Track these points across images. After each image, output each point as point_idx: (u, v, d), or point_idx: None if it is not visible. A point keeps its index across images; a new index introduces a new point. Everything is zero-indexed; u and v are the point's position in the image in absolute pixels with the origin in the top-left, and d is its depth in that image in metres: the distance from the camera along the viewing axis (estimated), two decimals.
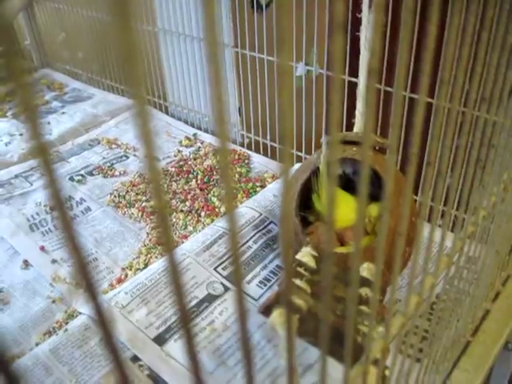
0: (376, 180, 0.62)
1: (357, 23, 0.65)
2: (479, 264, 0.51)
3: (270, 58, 0.88)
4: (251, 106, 0.94)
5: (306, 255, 0.53)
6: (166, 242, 0.16)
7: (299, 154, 0.90)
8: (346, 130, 0.76)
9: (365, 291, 0.51)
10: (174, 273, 0.16)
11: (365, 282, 0.52)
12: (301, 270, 0.49)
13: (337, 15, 0.17)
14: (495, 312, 0.58)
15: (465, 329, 0.54)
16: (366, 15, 0.65)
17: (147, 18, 0.99)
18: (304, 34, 0.83)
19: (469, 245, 0.38)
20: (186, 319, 0.18)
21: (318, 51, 0.85)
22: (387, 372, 0.36)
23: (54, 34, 1.25)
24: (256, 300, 0.67)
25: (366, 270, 0.54)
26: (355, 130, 0.66)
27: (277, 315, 0.43)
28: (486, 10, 0.30)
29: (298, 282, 0.47)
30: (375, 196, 0.59)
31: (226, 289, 0.68)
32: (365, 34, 0.65)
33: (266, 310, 0.46)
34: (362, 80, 0.65)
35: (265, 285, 0.68)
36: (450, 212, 0.35)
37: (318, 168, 0.61)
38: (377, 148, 0.63)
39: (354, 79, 0.72)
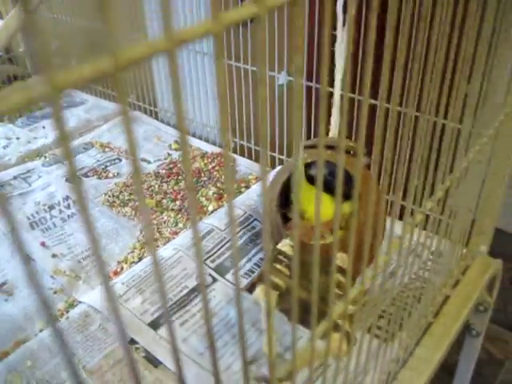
0: (348, 179, 0.69)
1: (333, 39, 0.72)
2: (436, 254, 0.58)
3: (254, 69, 0.95)
4: (236, 113, 1.01)
5: (285, 245, 0.59)
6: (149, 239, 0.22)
7: (281, 157, 0.97)
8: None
9: (337, 276, 0.58)
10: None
11: (338, 270, 0.59)
12: (281, 257, 0.56)
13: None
14: (454, 298, 0.66)
15: (426, 311, 0.61)
16: (340, 32, 0.72)
17: (137, 26, 1.05)
18: (285, 47, 0.90)
19: (418, 232, 0.45)
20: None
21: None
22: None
23: (48, 41, 1.30)
24: (241, 290, 0.73)
25: (339, 259, 0.61)
26: (330, 135, 0.73)
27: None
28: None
29: (278, 266, 0.54)
30: (347, 194, 0.66)
31: (214, 279, 0.75)
32: (339, 50, 0.72)
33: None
34: (336, 91, 0.72)
35: (249, 276, 0.75)
36: (409, 206, 0.42)
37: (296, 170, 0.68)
38: (351, 152, 0.70)
39: (330, 89, 0.79)
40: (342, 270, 0.59)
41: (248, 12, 0.20)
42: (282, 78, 1.01)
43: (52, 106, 0.15)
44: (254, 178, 0.94)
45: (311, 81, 0.87)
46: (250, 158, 1.01)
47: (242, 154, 1.02)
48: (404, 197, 0.45)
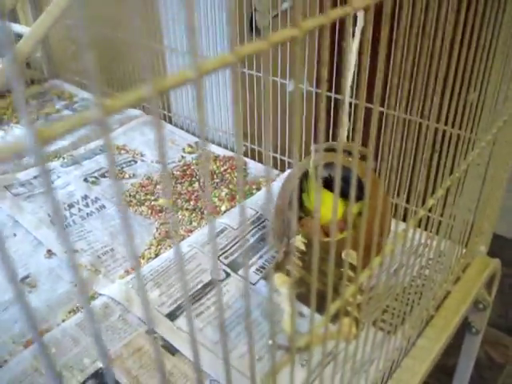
0: (356, 182, 0.73)
1: (342, 49, 0.77)
2: (436, 253, 0.62)
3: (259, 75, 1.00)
4: (248, 119, 1.06)
5: (297, 241, 0.64)
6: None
7: (290, 160, 1.01)
8: (333, 140, 0.88)
9: (347, 271, 0.62)
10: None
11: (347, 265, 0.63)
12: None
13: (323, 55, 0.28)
14: (455, 293, 0.70)
15: (428, 305, 0.65)
16: (349, 44, 0.77)
17: (155, 35, 1.10)
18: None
19: (420, 232, 0.50)
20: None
21: (308, 71, 0.97)
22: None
23: (64, 47, 1.35)
24: (254, 284, 0.77)
25: (346, 253, 0.65)
26: (339, 140, 0.77)
27: (277, 277, 0.54)
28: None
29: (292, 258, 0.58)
30: (356, 196, 0.71)
31: (228, 274, 0.79)
32: (348, 60, 0.77)
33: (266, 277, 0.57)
34: (346, 98, 0.76)
35: (261, 272, 0.79)
36: (411, 208, 0.47)
37: (307, 171, 0.72)
38: (359, 156, 0.74)
39: (339, 96, 0.83)
40: (351, 266, 0.63)
41: (256, 48, 0.23)
42: (291, 85, 1.05)
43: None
44: (265, 181, 0.99)
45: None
46: (260, 161, 1.06)
47: (253, 158, 1.06)
48: (408, 200, 0.50)
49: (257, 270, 0.80)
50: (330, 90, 0.94)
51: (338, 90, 0.93)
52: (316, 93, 0.99)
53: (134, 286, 0.76)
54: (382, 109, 0.82)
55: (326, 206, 0.74)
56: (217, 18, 1.02)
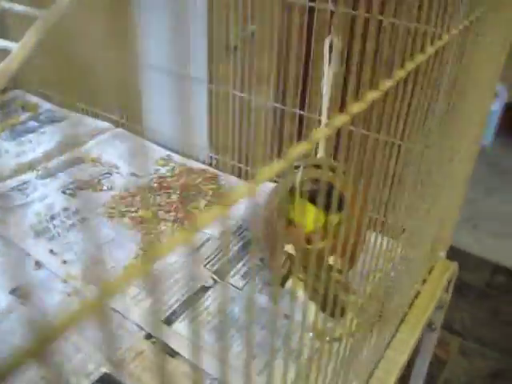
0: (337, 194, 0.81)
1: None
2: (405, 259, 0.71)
3: (237, 93, 1.06)
4: (220, 133, 1.12)
5: (289, 248, 0.71)
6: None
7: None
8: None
9: (335, 275, 0.70)
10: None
11: (332, 268, 0.71)
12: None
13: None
14: (424, 292, 0.79)
15: (402, 303, 0.74)
16: (326, 69, 0.85)
17: (131, 50, 1.14)
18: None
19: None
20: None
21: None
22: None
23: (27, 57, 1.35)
24: (240, 290, 0.83)
25: (332, 259, 0.73)
26: (318, 156, 0.85)
27: (292, 283, 0.60)
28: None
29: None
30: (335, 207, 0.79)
31: (215, 281, 0.84)
32: (325, 84, 0.85)
33: (282, 282, 0.64)
34: (323, 118, 0.84)
35: (245, 278, 0.85)
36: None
37: (293, 186, 0.79)
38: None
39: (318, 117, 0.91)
40: (338, 270, 0.70)
41: None
42: (256, 102, 1.12)
43: None
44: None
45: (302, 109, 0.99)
46: (232, 174, 1.12)
47: (225, 171, 1.13)
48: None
49: (241, 276, 0.86)
50: (295, 106, 1.01)
51: (304, 107, 1.01)
52: (280, 109, 1.06)
53: (130, 294, 0.80)
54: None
55: (307, 217, 0.82)
56: (197, 43, 1.07)
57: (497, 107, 2.55)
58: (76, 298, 0.81)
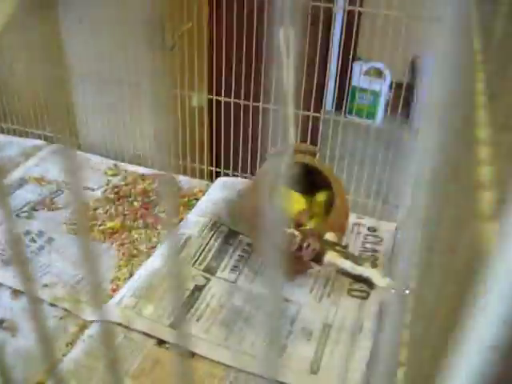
0: (312, 174, 0.85)
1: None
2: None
3: (175, 91, 1.06)
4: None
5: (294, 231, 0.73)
6: None
7: (218, 169, 1.09)
8: None
9: (334, 247, 0.74)
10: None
11: (329, 243, 0.74)
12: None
13: None
14: None
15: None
16: (284, 60, 0.88)
17: (59, 62, 1.09)
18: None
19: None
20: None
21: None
22: None
23: None
24: (234, 283, 0.84)
25: (329, 235, 0.76)
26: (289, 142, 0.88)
27: (330, 254, 0.63)
28: None
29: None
30: (318, 186, 0.83)
31: (207, 279, 0.84)
32: (286, 75, 0.88)
33: (317, 258, 0.66)
34: (290, 108, 0.87)
35: (236, 270, 0.86)
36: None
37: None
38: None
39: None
40: (335, 243, 0.74)
41: None
42: (195, 99, 1.13)
43: None
44: (199, 191, 1.05)
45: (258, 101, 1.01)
46: (185, 174, 1.11)
47: (178, 172, 1.12)
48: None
49: (231, 269, 0.86)
50: (239, 97, 1.04)
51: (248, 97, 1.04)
52: (216, 100, 1.08)
53: (128, 305, 0.77)
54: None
55: (290, 201, 0.85)
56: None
57: (383, 87, 2.74)
58: (69, 319, 0.77)
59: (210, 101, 1.08)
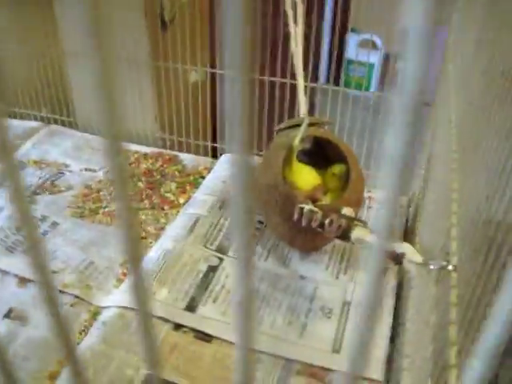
0: (323, 147, 0.82)
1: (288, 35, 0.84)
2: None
3: (176, 66, 1.02)
4: (166, 112, 1.07)
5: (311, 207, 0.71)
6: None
7: (222, 146, 1.06)
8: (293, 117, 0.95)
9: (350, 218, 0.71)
10: None
11: (346, 217, 0.71)
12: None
13: None
14: None
15: None
16: (293, 28, 0.84)
17: (54, 40, 1.04)
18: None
19: None
20: None
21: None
22: None
23: None
24: None
25: (346, 210, 0.73)
26: (301, 116, 0.84)
27: (358, 231, 0.60)
28: None
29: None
30: (330, 160, 0.80)
31: (220, 259, 0.82)
32: (294, 42, 0.84)
33: (344, 234, 0.63)
34: (300, 78, 0.84)
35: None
36: None
37: (290, 146, 0.78)
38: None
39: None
40: (353, 218, 0.72)
41: None
42: (194, 76, 1.09)
43: None
44: (204, 169, 1.02)
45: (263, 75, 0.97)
46: (188, 152, 1.08)
47: (181, 150, 1.08)
48: None
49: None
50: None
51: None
52: (219, 74, 1.04)
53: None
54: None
55: (305, 177, 0.82)
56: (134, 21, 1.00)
57: (376, 59, 2.70)
58: (80, 306, 0.75)
59: (213, 75, 1.04)
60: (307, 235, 0.75)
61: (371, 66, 2.74)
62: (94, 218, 0.89)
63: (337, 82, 1.08)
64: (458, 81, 0.69)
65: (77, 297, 0.76)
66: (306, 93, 0.86)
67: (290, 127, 0.83)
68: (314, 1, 0.98)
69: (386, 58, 2.79)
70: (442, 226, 0.54)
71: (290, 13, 0.84)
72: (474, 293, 0.37)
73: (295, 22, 0.84)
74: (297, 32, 0.84)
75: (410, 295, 0.66)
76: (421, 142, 0.93)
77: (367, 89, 2.78)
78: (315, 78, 1.08)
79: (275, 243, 0.85)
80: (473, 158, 0.51)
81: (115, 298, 0.75)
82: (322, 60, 2.66)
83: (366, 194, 0.95)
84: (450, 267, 0.43)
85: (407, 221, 0.90)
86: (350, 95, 1.07)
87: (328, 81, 1.15)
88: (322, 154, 0.85)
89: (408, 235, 0.85)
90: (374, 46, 2.69)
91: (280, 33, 0.96)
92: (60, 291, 0.76)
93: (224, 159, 1.03)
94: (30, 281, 0.78)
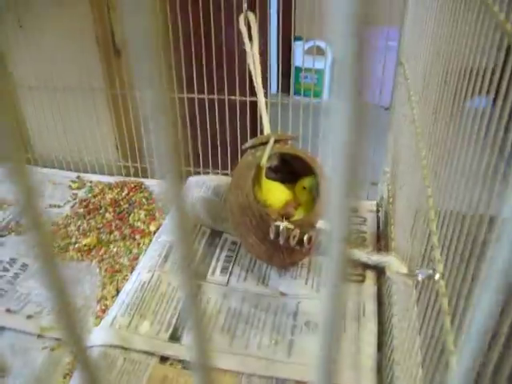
0: (291, 162, 0.83)
1: (244, 53, 0.84)
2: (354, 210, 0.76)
3: (133, 92, 1.01)
4: (127, 139, 1.06)
5: (287, 225, 0.71)
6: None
7: (188, 168, 1.05)
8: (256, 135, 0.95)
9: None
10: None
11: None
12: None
13: None
14: None
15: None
16: (248, 46, 0.85)
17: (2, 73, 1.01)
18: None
19: None
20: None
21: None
22: None
23: None
24: (226, 285, 0.81)
25: (320, 224, 0.74)
26: (264, 133, 0.85)
27: None
28: None
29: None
30: (300, 174, 0.81)
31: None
32: (252, 60, 0.85)
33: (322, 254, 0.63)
34: (260, 96, 0.84)
35: (226, 272, 0.83)
36: None
37: (258, 165, 0.79)
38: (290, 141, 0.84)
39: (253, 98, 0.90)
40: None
41: None
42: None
43: None
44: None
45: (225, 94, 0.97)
46: (154, 177, 1.07)
47: (146, 176, 1.07)
48: None
49: (221, 272, 0.84)
50: (202, 92, 1.00)
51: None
52: (179, 98, 1.04)
53: (122, 325, 0.73)
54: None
55: (276, 194, 0.82)
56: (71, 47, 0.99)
57: (326, 65, 2.75)
58: (62, 349, 0.73)
59: (172, 99, 1.03)
60: (284, 252, 0.76)
61: (321, 72, 2.79)
62: (64, 255, 0.87)
63: (288, 92, 1.07)
64: (417, 81, 0.70)
65: (56, 339, 0.74)
66: (267, 109, 0.86)
67: (255, 146, 0.83)
68: (256, 13, 0.99)
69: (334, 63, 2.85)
70: (419, 232, 0.55)
71: (244, 31, 0.84)
72: (465, 299, 0.38)
73: (250, 40, 0.85)
74: (253, 50, 0.84)
75: (393, 302, 0.67)
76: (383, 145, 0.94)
77: (320, 95, 2.83)
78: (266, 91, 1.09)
79: (252, 262, 0.84)
80: (444, 163, 0.52)
81: (96, 336, 0.73)
82: (270, 70, 2.68)
83: None
84: (437, 276, 0.44)
85: (378, 226, 0.91)
86: (304, 103, 1.06)
87: (281, 91, 1.15)
88: (290, 168, 0.85)
89: (381, 240, 0.87)
90: (321, 52, 2.74)
91: (235, 51, 0.96)
92: (39, 336, 0.74)
93: (191, 181, 1.02)
94: (7, 329, 0.75)
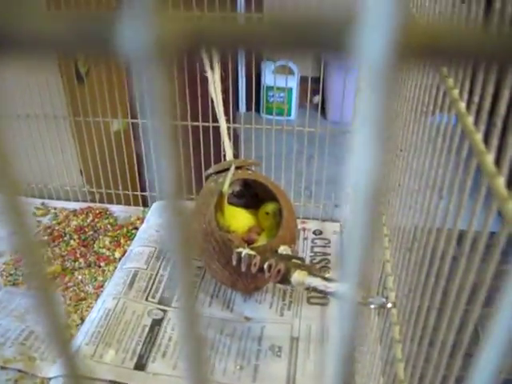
0: (255, 187, 0.85)
1: (205, 80, 0.86)
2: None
3: (97, 119, 1.02)
4: (91, 164, 1.06)
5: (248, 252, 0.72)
6: None
7: (153, 194, 1.06)
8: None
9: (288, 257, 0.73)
10: None
11: (284, 256, 0.73)
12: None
13: None
14: None
15: None
16: (210, 74, 0.86)
17: None
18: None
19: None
20: None
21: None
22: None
23: None
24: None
25: (283, 249, 0.76)
26: (227, 159, 0.86)
27: (298, 274, 0.62)
28: None
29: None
30: (261, 199, 0.82)
31: (164, 311, 0.82)
32: (213, 87, 0.86)
33: (282, 279, 0.64)
34: (222, 122, 0.86)
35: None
36: None
37: (220, 192, 0.80)
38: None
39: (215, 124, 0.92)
40: (291, 256, 0.74)
41: None
42: (115, 125, 1.09)
43: None
44: (136, 219, 1.01)
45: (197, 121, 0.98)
46: (119, 203, 1.07)
47: (111, 202, 1.07)
48: None
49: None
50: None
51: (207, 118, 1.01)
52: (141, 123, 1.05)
53: (87, 355, 0.73)
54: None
55: (238, 220, 0.84)
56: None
57: (294, 84, 2.79)
58: (25, 381, 0.72)
59: (135, 125, 1.04)
60: (248, 278, 0.77)
61: (289, 90, 2.83)
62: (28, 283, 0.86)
63: (256, 112, 1.10)
64: None
65: (20, 371, 0.73)
66: (229, 136, 0.88)
67: (218, 172, 0.85)
68: None
69: (302, 82, 2.91)
70: (376, 259, 0.57)
71: (205, 60, 0.86)
72: (414, 329, 0.40)
73: (212, 68, 0.86)
74: (214, 78, 0.86)
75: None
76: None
77: (289, 113, 2.87)
78: (234, 112, 1.11)
79: (217, 288, 0.85)
80: (395, 193, 0.54)
81: (60, 367, 0.72)
82: (240, 90, 2.71)
83: (300, 226, 0.98)
84: (390, 305, 0.45)
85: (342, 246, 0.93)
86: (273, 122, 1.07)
87: (250, 111, 1.16)
88: (252, 193, 0.87)
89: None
90: (289, 71, 2.78)
91: (197, 76, 0.98)
92: (1, 367, 0.74)
93: (156, 207, 1.03)
94: None
